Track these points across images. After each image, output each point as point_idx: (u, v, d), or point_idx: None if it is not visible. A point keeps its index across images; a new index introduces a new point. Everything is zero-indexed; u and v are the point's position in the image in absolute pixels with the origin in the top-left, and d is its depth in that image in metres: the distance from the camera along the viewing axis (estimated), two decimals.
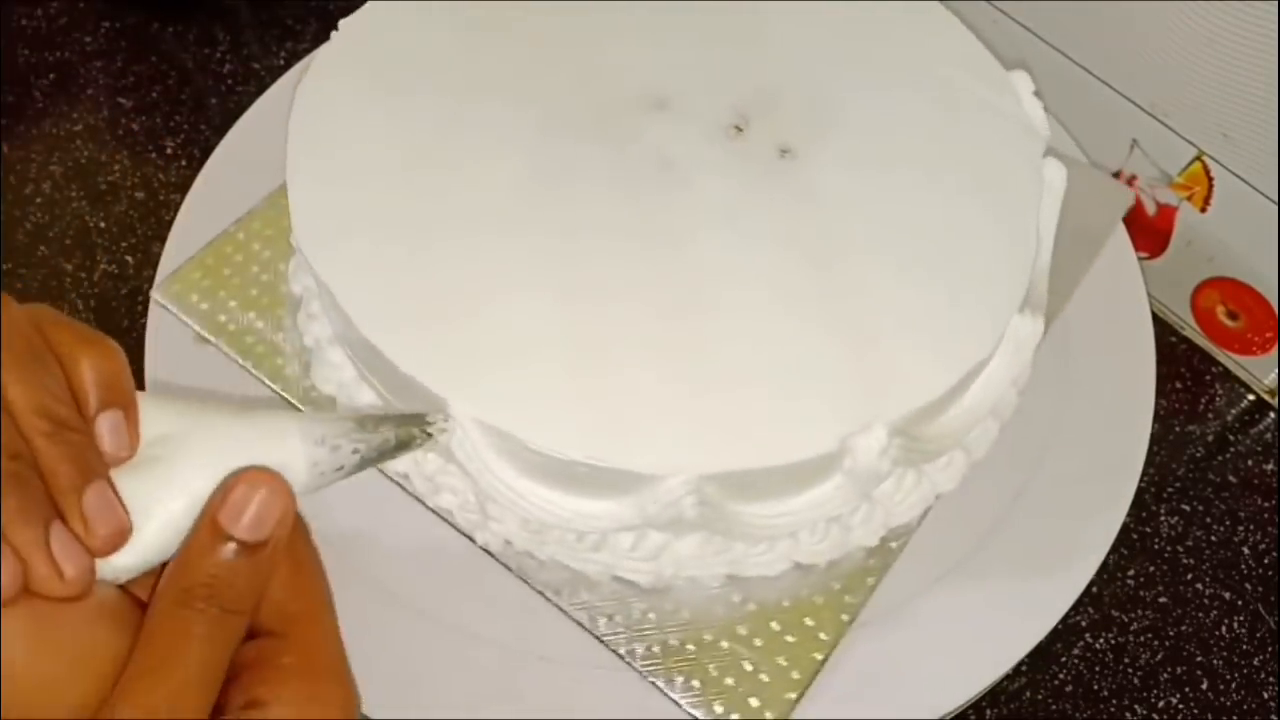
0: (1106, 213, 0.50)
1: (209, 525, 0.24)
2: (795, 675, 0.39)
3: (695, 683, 0.39)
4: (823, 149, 0.43)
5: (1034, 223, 0.41)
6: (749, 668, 0.39)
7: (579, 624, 0.40)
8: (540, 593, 0.41)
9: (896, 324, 0.38)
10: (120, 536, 0.24)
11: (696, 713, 0.39)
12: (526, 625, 0.41)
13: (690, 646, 0.40)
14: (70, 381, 0.25)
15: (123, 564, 0.24)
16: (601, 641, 0.40)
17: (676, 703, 0.39)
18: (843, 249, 0.40)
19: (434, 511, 0.42)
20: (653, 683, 0.39)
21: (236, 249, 0.49)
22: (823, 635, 0.40)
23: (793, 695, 0.39)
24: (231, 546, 0.24)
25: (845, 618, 0.40)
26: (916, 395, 0.37)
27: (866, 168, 0.42)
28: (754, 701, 0.39)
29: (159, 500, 0.25)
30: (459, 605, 0.41)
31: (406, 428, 0.31)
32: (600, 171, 0.42)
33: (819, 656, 0.39)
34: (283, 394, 0.45)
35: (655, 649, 0.40)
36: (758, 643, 0.40)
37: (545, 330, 0.38)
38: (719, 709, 0.38)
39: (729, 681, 0.39)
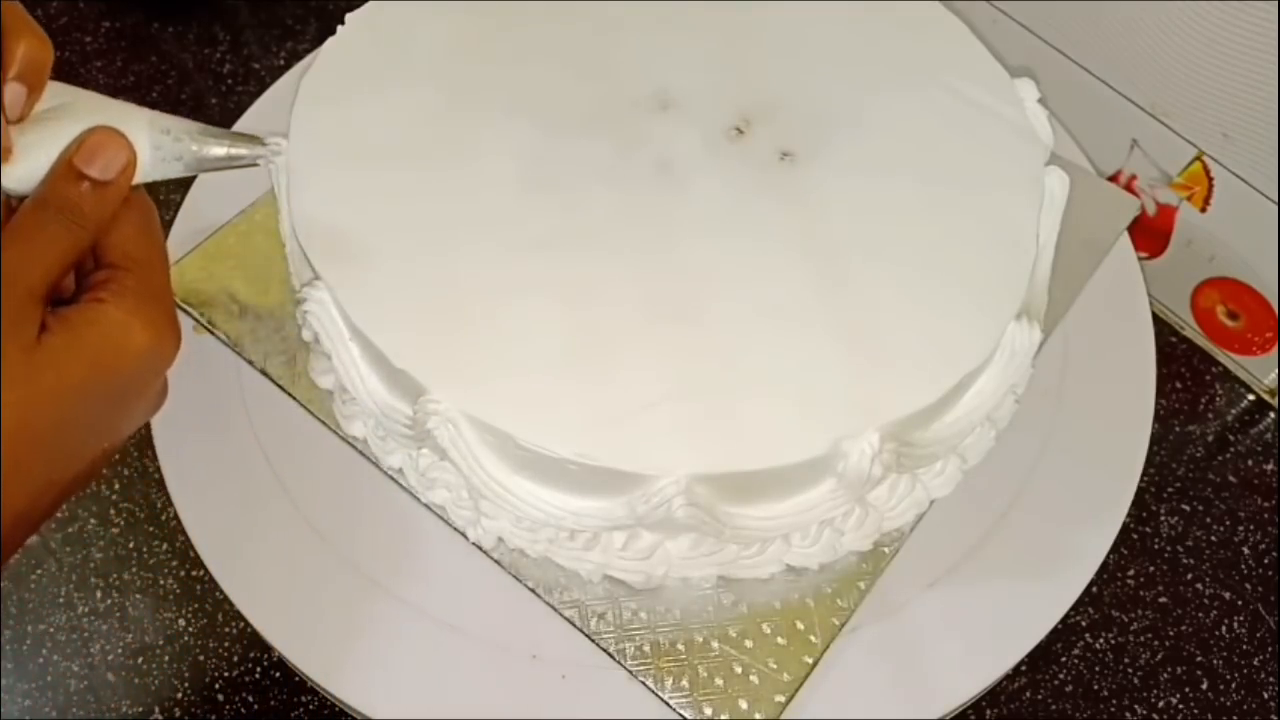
0: (1111, 221, 0.50)
1: (68, 162, 0.33)
2: (785, 677, 0.39)
3: (685, 683, 0.39)
4: (823, 153, 0.43)
5: (1033, 231, 0.41)
6: (739, 669, 0.39)
7: (570, 622, 0.40)
8: (532, 590, 0.41)
9: (892, 329, 0.38)
10: (6, 153, 0.33)
11: (686, 713, 0.39)
12: (517, 623, 0.41)
13: (680, 647, 0.40)
14: (5, 51, 0.32)
15: (14, 176, 0.33)
16: (592, 640, 0.40)
17: (666, 702, 0.39)
18: (841, 253, 0.40)
19: (427, 507, 0.42)
20: (642, 682, 0.39)
21: (239, 240, 0.49)
22: (813, 638, 0.40)
23: (782, 698, 0.39)
24: (85, 182, 0.33)
25: (836, 621, 0.40)
26: (909, 401, 0.37)
27: (867, 172, 0.42)
28: (743, 703, 0.39)
29: (43, 141, 0.33)
30: (447, 602, 0.41)
31: (241, 141, 0.37)
32: (600, 172, 0.42)
33: (809, 659, 0.39)
34: (282, 386, 0.45)
35: (645, 648, 0.40)
36: (748, 644, 0.40)
37: (541, 329, 0.38)
38: (708, 710, 0.38)
39: (719, 682, 0.39)
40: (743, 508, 0.37)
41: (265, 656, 0.49)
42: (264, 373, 0.45)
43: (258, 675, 0.49)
